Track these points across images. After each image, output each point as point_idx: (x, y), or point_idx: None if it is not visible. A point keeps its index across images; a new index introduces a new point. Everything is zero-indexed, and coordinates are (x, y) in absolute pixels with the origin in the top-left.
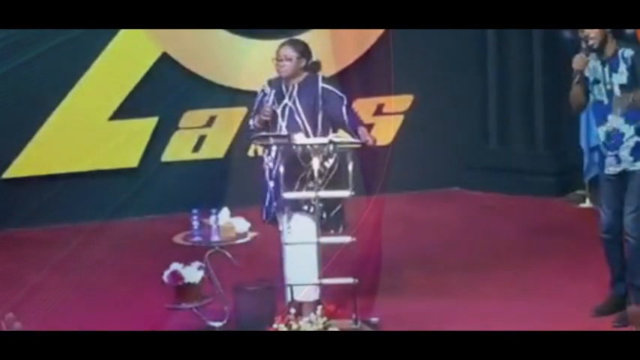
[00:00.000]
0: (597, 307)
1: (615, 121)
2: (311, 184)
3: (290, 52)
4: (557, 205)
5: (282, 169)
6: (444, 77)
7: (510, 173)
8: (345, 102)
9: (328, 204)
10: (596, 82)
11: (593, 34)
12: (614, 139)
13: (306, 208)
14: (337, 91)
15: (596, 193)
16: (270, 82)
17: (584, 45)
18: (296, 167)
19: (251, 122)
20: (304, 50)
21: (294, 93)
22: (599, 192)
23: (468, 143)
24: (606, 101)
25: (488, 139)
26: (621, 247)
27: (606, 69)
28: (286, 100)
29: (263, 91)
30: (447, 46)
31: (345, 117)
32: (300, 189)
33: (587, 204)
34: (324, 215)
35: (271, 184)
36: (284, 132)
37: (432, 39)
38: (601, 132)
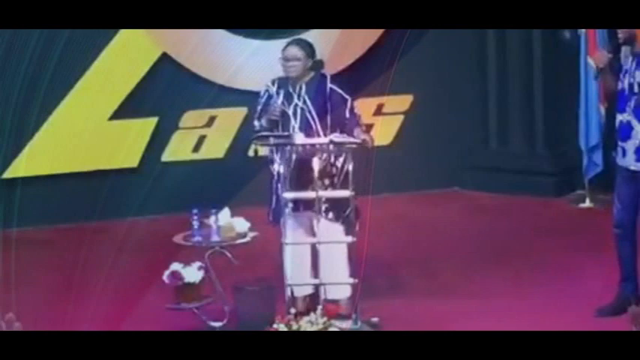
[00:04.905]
0: (601, 307)
1: (631, 113)
2: (325, 183)
3: (298, 52)
4: (557, 205)
5: (293, 171)
6: (444, 77)
7: (510, 173)
8: (349, 104)
9: (341, 205)
10: (625, 71)
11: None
12: (625, 130)
13: (323, 209)
14: (343, 93)
15: (596, 192)
16: (274, 82)
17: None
18: (308, 168)
19: (256, 123)
20: (311, 50)
21: (303, 93)
22: (599, 191)
23: (467, 143)
24: (627, 92)
25: (488, 139)
26: (632, 245)
27: (634, 62)
28: (296, 101)
29: (267, 91)
30: (447, 46)
31: (347, 119)
32: (312, 189)
33: (587, 204)
34: (332, 216)
35: (280, 185)
36: (297, 132)
37: (432, 39)
38: (617, 120)
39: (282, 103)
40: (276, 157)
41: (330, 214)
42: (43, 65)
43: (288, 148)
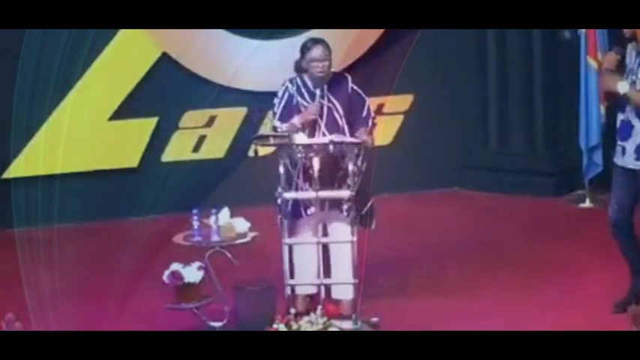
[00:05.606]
0: (617, 302)
1: (631, 112)
2: (348, 182)
3: (326, 51)
4: (557, 205)
5: (321, 170)
6: (444, 77)
7: (510, 173)
8: (367, 105)
9: (359, 203)
10: (629, 70)
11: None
12: (625, 129)
13: (345, 208)
14: (362, 94)
15: (596, 192)
16: (293, 82)
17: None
18: (335, 168)
19: (278, 124)
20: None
21: (326, 92)
22: (599, 191)
23: (467, 143)
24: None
25: (488, 139)
26: (631, 238)
27: (637, 60)
28: (321, 100)
29: (287, 90)
30: (447, 46)
31: (362, 120)
32: (339, 188)
33: (587, 204)
34: (352, 215)
35: (306, 185)
36: (324, 132)
37: (432, 39)
38: (618, 119)
39: (308, 102)
40: (299, 157)
41: (352, 214)
42: (44, 65)
43: (315, 147)
